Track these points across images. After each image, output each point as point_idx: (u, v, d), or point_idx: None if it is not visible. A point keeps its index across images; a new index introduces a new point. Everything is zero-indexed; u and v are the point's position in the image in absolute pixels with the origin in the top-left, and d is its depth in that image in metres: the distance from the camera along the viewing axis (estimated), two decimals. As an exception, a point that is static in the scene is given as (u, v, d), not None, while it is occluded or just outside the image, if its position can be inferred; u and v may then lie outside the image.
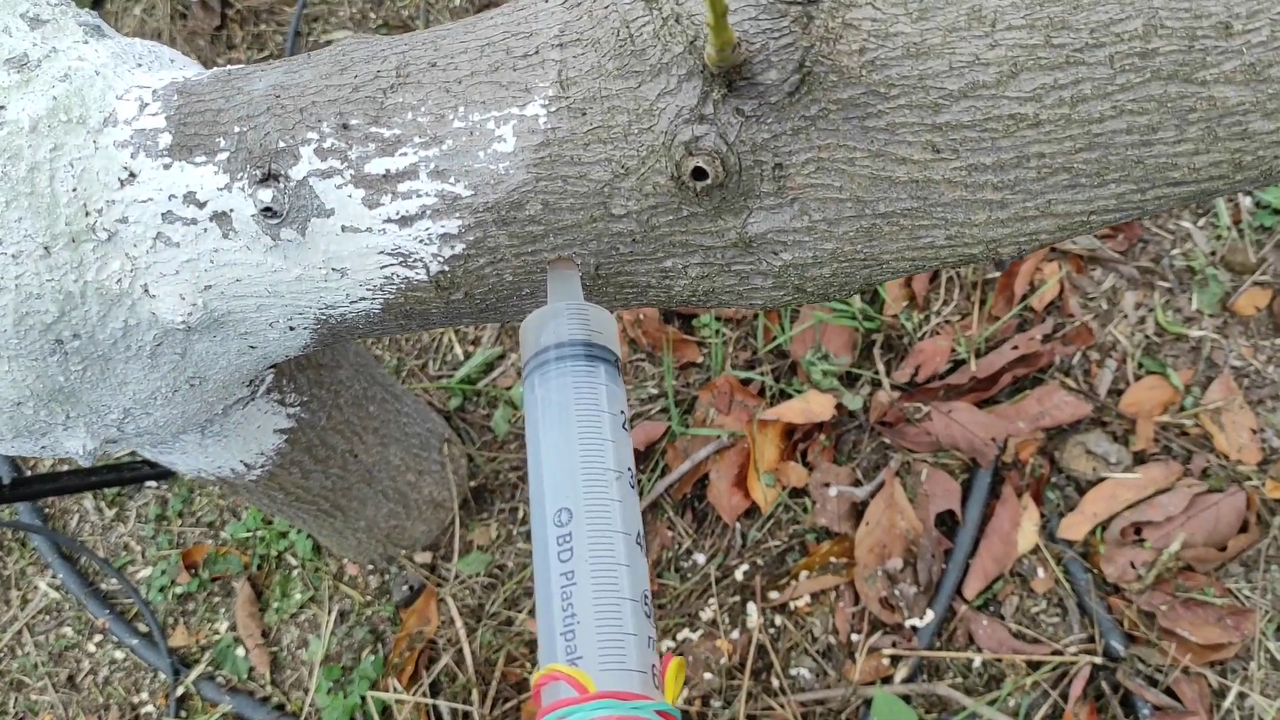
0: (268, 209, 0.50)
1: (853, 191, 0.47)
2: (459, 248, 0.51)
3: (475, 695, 1.18)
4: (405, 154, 0.50)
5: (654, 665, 0.41)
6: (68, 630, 1.35)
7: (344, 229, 0.51)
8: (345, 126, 0.50)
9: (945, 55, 0.43)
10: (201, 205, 0.52)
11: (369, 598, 1.29)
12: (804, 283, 0.51)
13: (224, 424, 0.79)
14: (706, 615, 1.21)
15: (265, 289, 0.54)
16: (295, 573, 1.32)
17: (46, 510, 1.43)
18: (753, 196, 0.48)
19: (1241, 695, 1.10)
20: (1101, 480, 1.21)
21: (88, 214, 0.53)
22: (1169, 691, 1.10)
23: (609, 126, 0.47)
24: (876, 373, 1.30)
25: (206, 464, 0.86)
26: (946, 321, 1.32)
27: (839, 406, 1.26)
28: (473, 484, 1.30)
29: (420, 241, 0.51)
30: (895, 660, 1.16)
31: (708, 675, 1.18)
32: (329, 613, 1.28)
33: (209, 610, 1.32)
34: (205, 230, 0.53)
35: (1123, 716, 1.10)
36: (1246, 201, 1.34)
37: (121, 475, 1.35)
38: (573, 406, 0.46)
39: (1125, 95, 0.42)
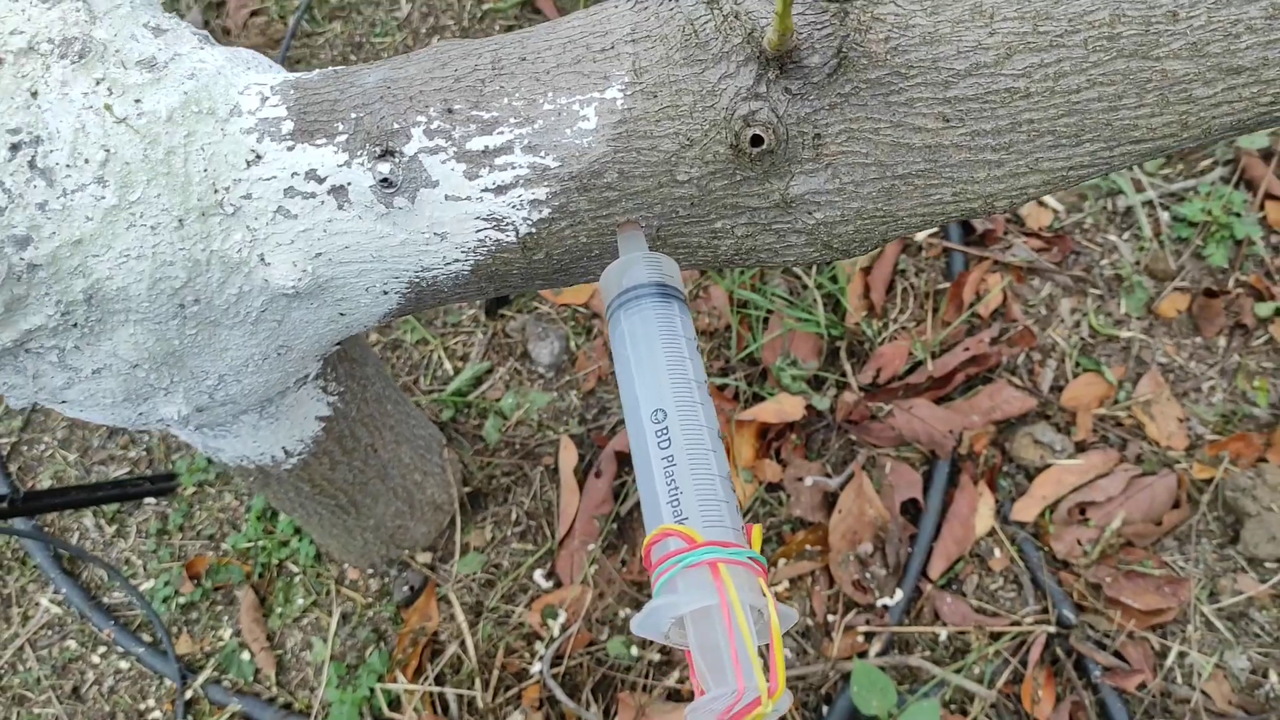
0: (385, 180, 0.59)
1: (876, 157, 0.58)
2: (545, 212, 0.61)
3: (479, 683, 1.25)
4: (502, 132, 0.59)
5: (741, 526, 0.51)
6: (71, 643, 1.39)
7: (447, 198, 0.61)
8: (450, 111, 0.60)
9: (954, 42, 0.55)
10: (321, 180, 0.61)
11: (370, 600, 1.35)
12: (831, 239, 0.62)
13: (279, 405, 0.87)
14: (693, 602, 1.30)
15: (370, 254, 0.63)
16: (297, 579, 1.38)
17: (46, 530, 1.47)
18: (795, 162, 0.58)
19: (1181, 654, 1.22)
20: (1048, 467, 1.33)
21: (216, 191, 0.62)
22: (1117, 654, 1.22)
23: (677, 106, 0.58)
24: (842, 375, 1.41)
25: (253, 449, 0.94)
26: (903, 328, 1.44)
27: (808, 407, 1.37)
28: (467, 489, 1.38)
29: (513, 207, 0.60)
30: (869, 637, 1.26)
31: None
32: (332, 614, 1.34)
33: (212, 619, 1.38)
34: (322, 203, 0.62)
35: (1076, 678, 1.21)
36: (1165, 216, 1.49)
37: (125, 491, 1.41)
38: (656, 332, 0.56)
39: (1097, 70, 0.54)
